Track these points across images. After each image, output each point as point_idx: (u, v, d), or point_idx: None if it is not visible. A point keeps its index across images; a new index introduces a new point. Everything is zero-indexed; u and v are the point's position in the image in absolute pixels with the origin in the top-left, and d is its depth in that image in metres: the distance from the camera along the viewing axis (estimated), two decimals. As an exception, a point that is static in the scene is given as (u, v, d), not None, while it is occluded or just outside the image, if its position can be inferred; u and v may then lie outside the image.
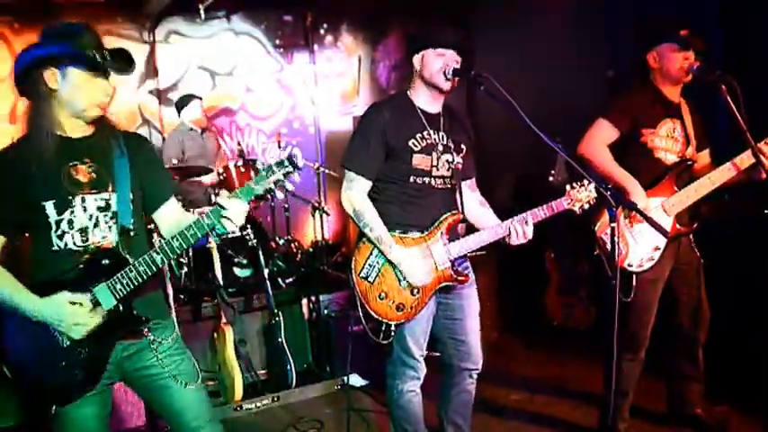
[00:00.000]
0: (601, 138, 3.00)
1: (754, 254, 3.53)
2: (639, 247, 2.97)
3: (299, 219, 6.37)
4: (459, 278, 2.65)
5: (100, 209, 2.06)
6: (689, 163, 3.03)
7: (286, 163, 1.95)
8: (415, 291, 2.59)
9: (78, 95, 2.01)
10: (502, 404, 3.81)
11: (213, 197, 4.89)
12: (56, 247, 2.02)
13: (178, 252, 2.02)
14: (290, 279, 4.81)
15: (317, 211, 5.32)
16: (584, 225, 3.12)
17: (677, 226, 2.99)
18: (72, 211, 2.02)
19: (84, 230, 2.04)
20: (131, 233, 2.08)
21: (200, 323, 4.23)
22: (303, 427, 3.66)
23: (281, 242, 5.39)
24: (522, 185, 5.59)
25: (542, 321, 4.94)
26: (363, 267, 2.59)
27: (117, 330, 2.06)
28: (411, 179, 2.61)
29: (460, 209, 2.69)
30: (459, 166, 2.71)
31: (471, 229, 2.74)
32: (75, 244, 2.03)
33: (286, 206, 5.46)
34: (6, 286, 2.00)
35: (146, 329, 2.12)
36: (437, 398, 2.92)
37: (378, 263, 2.58)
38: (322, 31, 7.09)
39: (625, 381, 3.10)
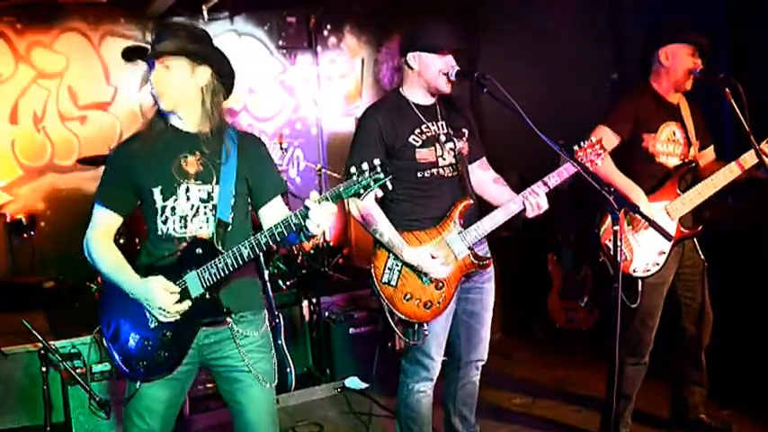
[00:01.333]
0: None
1: (757, 257, 3.51)
2: (644, 253, 2.94)
3: (300, 220, 6.34)
4: (482, 263, 2.64)
5: (202, 200, 2.15)
6: (692, 165, 3.01)
7: (378, 169, 1.95)
8: (440, 285, 2.58)
9: (152, 88, 2.15)
10: (504, 407, 3.79)
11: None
12: (159, 232, 2.15)
13: (265, 248, 2.05)
14: (291, 281, 4.79)
15: (319, 213, 5.29)
16: (586, 228, 3.10)
17: (681, 229, 2.97)
18: (176, 199, 2.13)
19: (184, 218, 2.14)
20: (228, 227, 2.15)
21: (200, 325, 4.21)
22: (302, 430, 3.64)
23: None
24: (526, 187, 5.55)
25: (545, 324, 4.90)
26: (384, 273, 2.58)
27: (201, 318, 2.13)
28: (418, 174, 2.60)
29: (470, 194, 2.67)
30: (465, 150, 2.70)
31: (486, 210, 2.71)
32: (175, 230, 2.14)
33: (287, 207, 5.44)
34: (113, 262, 2.14)
35: (229, 320, 2.17)
36: (442, 390, 2.92)
37: (397, 266, 2.58)
38: (325, 33, 7.07)
39: (628, 385, 3.08)
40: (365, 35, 7.18)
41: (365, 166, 1.94)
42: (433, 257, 2.54)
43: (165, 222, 2.14)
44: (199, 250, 2.11)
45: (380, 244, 2.60)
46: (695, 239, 3.09)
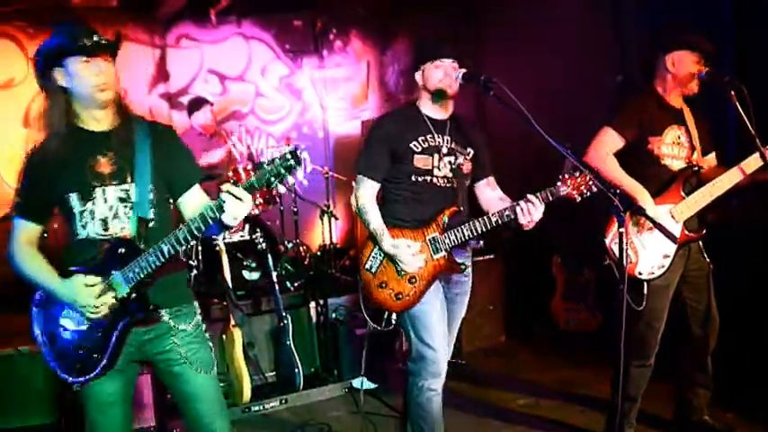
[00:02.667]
0: (607, 146, 3.00)
1: (761, 259, 3.53)
2: (649, 255, 2.97)
3: (307, 222, 6.40)
4: (455, 267, 2.79)
5: (120, 200, 2.16)
6: (695, 169, 3.03)
7: (288, 157, 1.95)
8: (413, 279, 2.75)
9: (80, 83, 2.10)
10: (509, 408, 3.82)
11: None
12: (80, 236, 2.16)
13: (184, 243, 2.06)
14: (299, 282, 4.84)
15: (326, 215, 5.34)
16: (591, 232, 3.12)
17: (686, 232, 2.99)
18: (93, 202, 2.14)
19: (104, 221, 2.15)
20: (149, 224, 2.17)
21: (209, 325, 4.23)
22: (310, 430, 3.68)
23: (290, 245, 5.42)
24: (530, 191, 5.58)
25: (548, 326, 4.94)
26: (368, 260, 2.82)
27: (131, 317, 2.14)
28: (413, 178, 2.80)
29: (460, 205, 2.83)
30: (465, 168, 2.88)
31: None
32: (96, 233, 2.15)
33: (295, 210, 5.49)
34: (36, 267, 2.17)
35: (162, 316, 2.21)
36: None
37: (380, 255, 2.80)
38: (331, 36, 7.13)
39: (633, 386, 3.10)
40: (371, 38, 7.24)
41: (277, 154, 1.96)
42: (408, 248, 2.72)
43: (84, 227, 2.15)
44: (122, 250, 2.12)
45: (369, 235, 2.81)
46: (701, 243, 3.11)
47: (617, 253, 2.96)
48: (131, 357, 2.23)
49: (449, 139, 2.84)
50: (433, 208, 2.79)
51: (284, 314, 4.21)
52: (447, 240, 2.76)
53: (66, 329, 2.18)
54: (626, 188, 2.92)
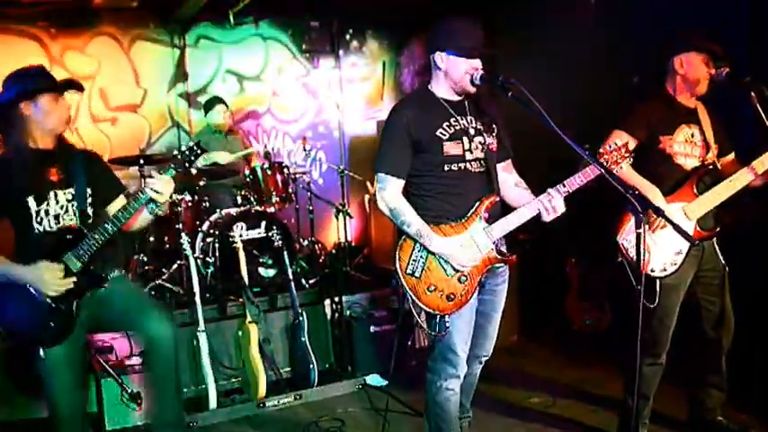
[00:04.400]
0: None
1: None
2: (661, 253, 2.98)
3: (322, 221, 6.45)
4: (505, 258, 2.68)
5: (68, 200, 2.77)
6: (710, 167, 3.03)
7: (194, 148, 2.75)
8: (463, 278, 2.61)
9: (51, 116, 2.74)
10: (522, 407, 3.83)
11: (239, 198, 5.00)
12: (36, 231, 2.71)
13: (123, 221, 2.69)
14: (314, 280, 4.89)
15: (341, 214, 5.39)
16: (607, 233, 3.13)
17: (699, 230, 3.00)
18: (47, 203, 2.73)
19: (57, 216, 2.74)
20: (89, 217, 2.81)
21: (226, 321, 4.31)
22: (324, 426, 3.71)
23: (306, 243, 5.48)
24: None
25: (562, 325, 4.95)
26: (408, 264, 2.62)
27: (84, 287, 2.73)
28: (446, 168, 2.62)
29: (497, 190, 2.70)
30: (494, 146, 2.72)
31: (509, 210, 2.73)
32: (50, 226, 2.73)
33: (310, 208, 5.55)
34: None
35: (107, 283, 2.81)
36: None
37: (422, 257, 2.61)
38: (348, 37, 7.18)
39: (645, 385, 3.11)
40: (387, 39, 7.28)
41: (184, 147, 2.74)
42: (461, 247, 2.58)
43: (40, 223, 2.71)
44: (69, 236, 2.71)
45: (407, 235, 2.63)
46: (716, 243, 3.11)
47: (629, 250, 2.98)
48: (81, 321, 2.74)
49: (472, 119, 2.67)
50: (470, 196, 2.62)
51: (299, 311, 4.26)
52: (494, 232, 2.62)
53: (28, 308, 2.64)
54: (637, 186, 2.93)
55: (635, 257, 2.33)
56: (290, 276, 4.31)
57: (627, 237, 3.01)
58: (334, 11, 6.92)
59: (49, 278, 2.63)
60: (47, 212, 2.72)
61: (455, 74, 2.62)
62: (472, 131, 2.66)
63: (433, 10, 6.21)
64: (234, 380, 4.27)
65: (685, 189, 3.00)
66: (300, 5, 6.76)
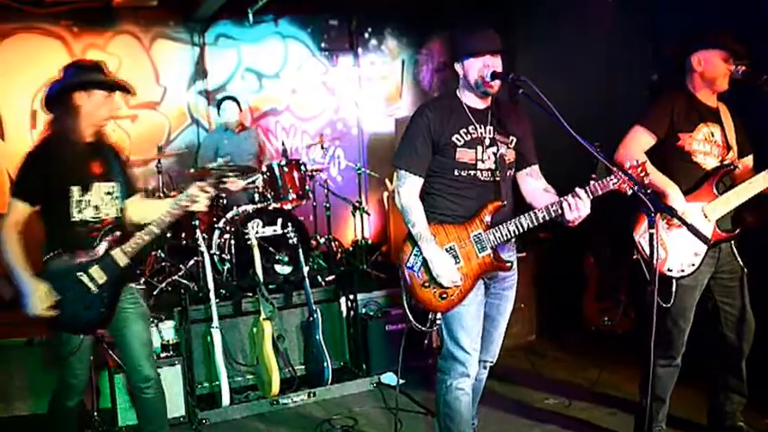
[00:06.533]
0: (638, 144, 2.97)
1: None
2: (679, 253, 2.93)
3: (340, 218, 6.45)
4: (501, 265, 2.69)
5: (106, 193, 2.85)
6: (730, 167, 2.97)
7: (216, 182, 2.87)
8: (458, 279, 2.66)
9: (100, 110, 2.80)
10: (538, 408, 3.79)
11: (256, 195, 5.02)
12: (74, 218, 2.77)
13: (167, 222, 2.81)
14: (330, 277, 4.88)
15: (358, 211, 5.38)
16: (625, 233, 3.09)
17: (718, 231, 2.94)
18: (90, 193, 2.80)
19: (96, 207, 2.82)
20: (124, 211, 2.92)
21: (241, 318, 4.33)
22: (337, 424, 3.71)
23: (322, 241, 5.48)
24: (564, 188, 5.53)
25: (579, 326, 4.88)
26: (409, 258, 2.70)
27: (126, 280, 2.89)
28: (456, 172, 2.70)
29: (504, 198, 2.72)
30: (509, 158, 2.77)
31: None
32: (90, 217, 2.80)
33: (327, 206, 5.55)
34: (14, 253, 2.69)
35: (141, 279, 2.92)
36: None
37: (421, 254, 2.68)
38: (366, 35, 7.17)
39: (660, 387, 3.06)
40: (406, 37, 7.26)
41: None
42: (447, 262, 2.64)
43: (80, 212, 2.77)
44: (106, 228, 2.82)
45: (409, 233, 2.71)
46: (733, 245, 3.05)
47: (645, 249, 2.93)
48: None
49: (491, 129, 2.73)
50: (476, 202, 2.69)
51: (314, 308, 4.26)
52: (492, 238, 2.65)
53: (76, 296, 2.75)
54: (656, 184, 2.89)
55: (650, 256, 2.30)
56: (305, 274, 4.31)
57: (644, 235, 2.95)
58: (353, 9, 6.93)
59: (37, 301, 2.67)
60: (88, 202, 2.78)
61: (471, 76, 2.69)
62: (488, 141, 2.72)
63: (452, 8, 6.22)
64: (248, 377, 4.29)
65: (705, 189, 2.94)
66: (320, 3, 6.78)
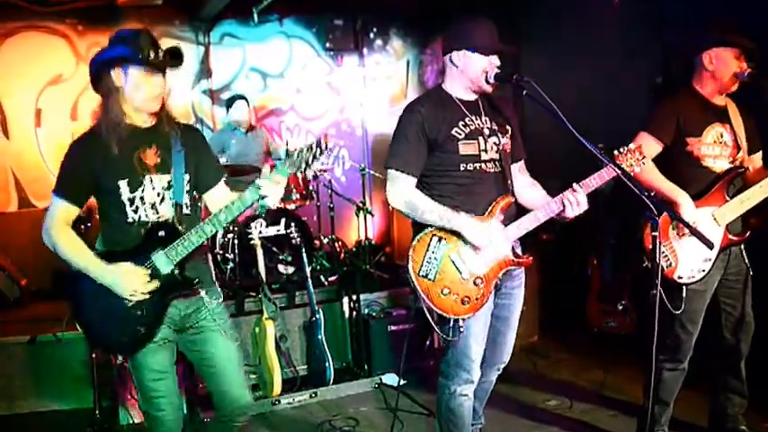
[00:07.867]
0: (645, 152, 2.94)
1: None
2: (689, 259, 2.89)
3: (344, 219, 6.45)
4: (521, 261, 2.62)
5: (164, 188, 2.40)
6: (740, 170, 2.93)
7: (314, 146, 2.24)
8: (478, 281, 2.54)
9: (138, 92, 2.33)
10: (540, 409, 3.78)
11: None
12: (130, 219, 2.36)
13: (224, 223, 2.34)
14: (333, 277, 4.88)
15: (361, 212, 5.37)
16: (629, 234, 3.06)
17: (729, 236, 2.91)
18: (143, 189, 2.37)
19: (153, 205, 2.38)
20: (184, 209, 2.42)
21: (243, 317, 4.32)
22: (338, 424, 3.70)
23: (326, 241, 5.48)
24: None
25: (582, 327, 4.87)
26: (422, 266, 2.53)
27: (172, 292, 2.39)
28: (461, 167, 2.58)
29: (512, 191, 2.66)
30: (508, 147, 2.69)
31: (523, 212, 2.67)
32: (147, 216, 2.37)
33: (331, 206, 5.55)
34: (78, 249, 2.35)
35: (200, 291, 2.45)
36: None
37: (436, 259, 2.53)
38: (371, 35, 7.17)
39: (666, 390, 3.04)
40: (411, 37, 7.26)
41: (302, 145, 2.26)
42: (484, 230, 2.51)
43: (135, 211, 2.36)
44: (161, 233, 2.36)
45: (422, 233, 2.55)
46: (741, 246, 3.02)
47: (657, 255, 2.89)
48: (174, 328, 2.44)
49: (487, 119, 2.64)
50: (485, 198, 2.57)
51: (317, 308, 4.26)
52: (509, 234, 2.55)
53: (110, 309, 2.34)
54: (665, 192, 2.85)
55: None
56: (309, 274, 4.31)
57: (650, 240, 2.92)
58: (358, 9, 6.92)
59: (130, 283, 2.29)
60: (142, 200, 2.36)
61: (472, 72, 2.59)
62: (487, 131, 2.62)
63: (456, 8, 6.21)
64: (250, 376, 4.28)
65: (715, 193, 2.90)
66: (324, 3, 6.79)
